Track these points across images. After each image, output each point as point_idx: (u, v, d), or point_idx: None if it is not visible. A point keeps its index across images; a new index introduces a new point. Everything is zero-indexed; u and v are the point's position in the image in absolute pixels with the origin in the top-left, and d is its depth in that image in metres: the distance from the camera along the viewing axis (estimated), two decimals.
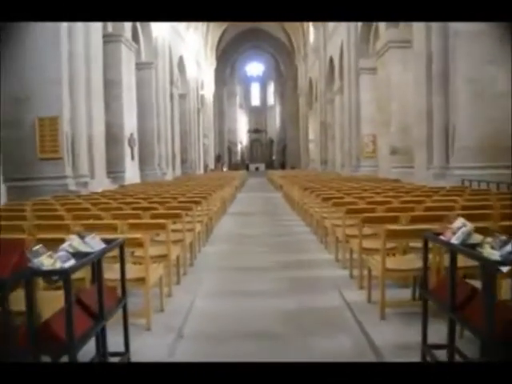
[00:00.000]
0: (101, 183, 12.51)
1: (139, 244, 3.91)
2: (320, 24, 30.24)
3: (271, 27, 47.51)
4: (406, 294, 4.48)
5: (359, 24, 21.00)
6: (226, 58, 50.74)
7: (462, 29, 11.33)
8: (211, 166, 42.21)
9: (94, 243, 2.98)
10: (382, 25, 17.33)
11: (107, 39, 15.69)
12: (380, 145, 17.98)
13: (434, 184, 11.12)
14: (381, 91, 17.86)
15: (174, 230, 6.22)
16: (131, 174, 16.54)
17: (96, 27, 13.02)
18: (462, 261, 3.23)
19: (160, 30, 21.59)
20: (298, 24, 39.90)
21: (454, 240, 2.82)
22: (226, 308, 4.55)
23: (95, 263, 2.95)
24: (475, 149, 11.29)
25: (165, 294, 4.56)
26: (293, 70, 49.15)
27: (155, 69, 21.18)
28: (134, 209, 6.50)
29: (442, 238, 2.96)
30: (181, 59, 28.59)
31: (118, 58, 16.21)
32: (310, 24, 35.76)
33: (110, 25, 15.82)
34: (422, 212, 5.32)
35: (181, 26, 27.97)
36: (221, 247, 7.63)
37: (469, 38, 11.29)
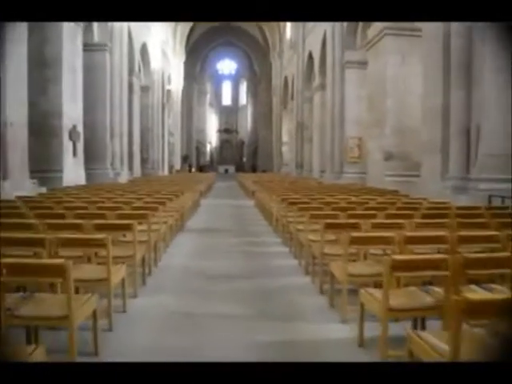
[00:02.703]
0: (19, 186, 9.45)
1: None
2: None
3: (245, 22, 44.82)
4: None
5: None
6: (197, 54, 47.70)
7: None
8: (177, 166, 39.07)
9: None
10: None
11: None
12: (370, 149, 15.45)
13: (453, 200, 8.59)
14: (372, 87, 15.37)
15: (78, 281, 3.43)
16: (72, 173, 13.46)
17: None
18: None
19: None
20: None
21: None
22: None
23: None
24: (505, 156, 8.85)
25: None
26: (267, 68, 46.54)
27: (110, 52, 18.10)
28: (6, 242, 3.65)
29: None
30: (144, 47, 25.51)
31: (58, 31, 13.12)
32: None
33: None
34: None
35: None
36: (164, 300, 4.66)
37: None
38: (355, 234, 4.12)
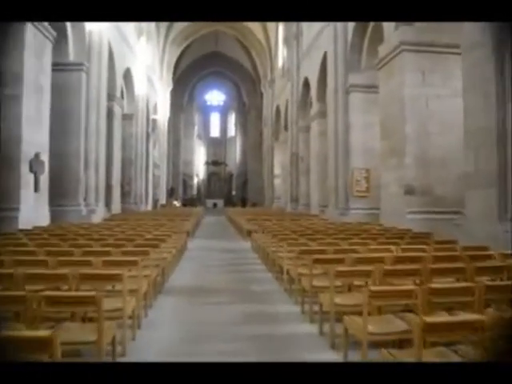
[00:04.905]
0: None
1: None
2: (293, 41, 26.13)
3: (234, 52, 43.54)
4: None
5: (350, 31, 16.79)
6: (185, 83, 46.07)
7: None
8: (163, 200, 36.67)
9: None
10: (387, 25, 13.07)
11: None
12: (385, 181, 13.35)
13: None
14: (386, 111, 13.40)
15: None
16: (32, 212, 11.09)
17: None
18: None
19: (97, 23, 16.52)
20: (264, 46, 35.91)
21: None
22: None
23: None
24: None
25: None
26: (257, 99, 45.02)
27: (86, 73, 16.01)
28: None
29: None
30: (128, 72, 23.53)
31: (20, 44, 11.01)
32: (280, 44, 31.85)
33: None
34: None
35: (129, 31, 23.04)
36: None
37: None
38: None
